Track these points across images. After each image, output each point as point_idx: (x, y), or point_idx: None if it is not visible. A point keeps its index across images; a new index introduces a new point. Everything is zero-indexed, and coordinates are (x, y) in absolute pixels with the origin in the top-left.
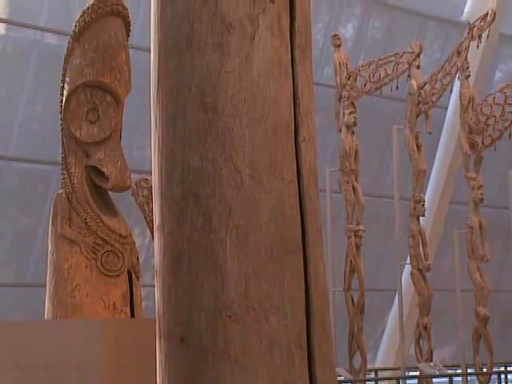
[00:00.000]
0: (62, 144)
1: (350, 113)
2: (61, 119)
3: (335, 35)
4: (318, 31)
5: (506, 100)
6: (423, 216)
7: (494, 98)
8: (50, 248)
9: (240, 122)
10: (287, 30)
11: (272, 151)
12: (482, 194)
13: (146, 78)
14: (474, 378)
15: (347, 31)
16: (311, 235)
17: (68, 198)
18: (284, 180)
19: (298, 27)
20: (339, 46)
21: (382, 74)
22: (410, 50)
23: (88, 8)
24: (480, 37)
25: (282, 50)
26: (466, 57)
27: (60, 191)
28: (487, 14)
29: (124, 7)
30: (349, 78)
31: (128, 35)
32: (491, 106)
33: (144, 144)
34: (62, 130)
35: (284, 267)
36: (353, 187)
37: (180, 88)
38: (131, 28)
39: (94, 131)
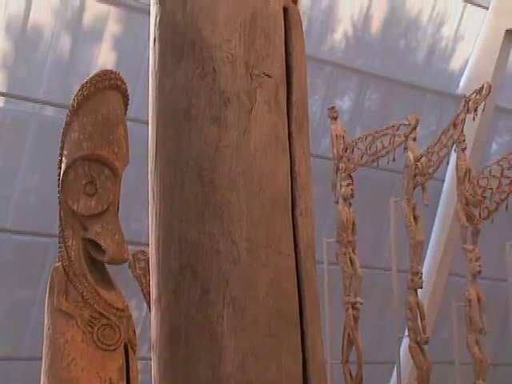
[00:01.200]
0: (60, 217)
1: (347, 185)
2: (58, 192)
3: (332, 107)
4: (314, 102)
5: (502, 172)
6: (421, 288)
7: (491, 170)
8: (46, 321)
9: (237, 196)
10: (284, 104)
11: (269, 225)
12: (479, 266)
13: (144, 151)
14: None
15: (344, 103)
16: (309, 309)
17: (65, 271)
18: (281, 254)
19: (294, 101)
20: (336, 118)
21: (379, 146)
22: (407, 123)
23: (87, 82)
24: (476, 110)
25: (279, 124)
26: (463, 129)
27: (57, 264)
28: (483, 87)
29: (122, 81)
30: (346, 150)
31: (126, 109)
32: (488, 178)
33: (142, 216)
34: (59, 203)
35: (281, 342)
36: (350, 259)
37: (177, 161)
38: (129, 101)
39: (92, 204)
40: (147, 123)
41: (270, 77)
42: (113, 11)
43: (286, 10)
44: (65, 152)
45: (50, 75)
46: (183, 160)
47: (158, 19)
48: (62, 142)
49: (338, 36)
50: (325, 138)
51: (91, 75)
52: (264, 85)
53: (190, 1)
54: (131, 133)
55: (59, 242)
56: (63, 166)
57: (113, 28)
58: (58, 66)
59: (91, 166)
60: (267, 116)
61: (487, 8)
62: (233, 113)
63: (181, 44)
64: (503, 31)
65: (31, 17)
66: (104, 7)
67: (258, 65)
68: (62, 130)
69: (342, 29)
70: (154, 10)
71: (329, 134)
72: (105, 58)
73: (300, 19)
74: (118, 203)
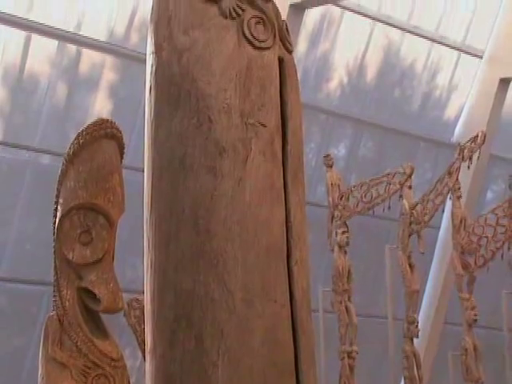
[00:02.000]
0: (55, 266)
1: (343, 232)
2: (54, 241)
3: (327, 155)
4: (310, 150)
5: (497, 221)
6: (417, 337)
7: (486, 218)
8: (40, 371)
9: (232, 245)
10: (279, 154)
11: (264, 274)
12: (475, 315)
13: (140, 198)
14: None
15: (339, 151)
16: (304, 359)
17: (59, 320)
18: (276, 303)
19: (290, 151)
20: (331, 166)
21: (374, 194)
22: (402, 171)
23: (82, 131)
24: (471, 158)
25: (274, 173)
26: (458, 177)
27: (51, 313)
28: (477, 135)
29: (118, 130)
30: (341, 198)
31: (122, 157)
32: (483, 226)
33: (137, 263)
34: (54, 251)
35: None
36: (346, 307)
37: (173, 210)
38: (125, 149)
39: (87, 253)
40: (143, 171)
41: (265, 126)
42: (109, 60)
43: (281, 60)
44: (60, 200)
45: (46, 123)
46: (178, 209)
47: (153, 69)
48: (58, 190)
49: (333, 84)
50: (320, 186)
51: (87, 124)
52: (259, 134)
53: (186, 51)
54: (126, 180)
55: (54, 291)
56: (58, 214)
57: (109, 76)
58: (54, 113)
59: (86, 215)
60: (262, 165)
61: (481, 57)
62: (228, 162)
63: (176, 93)
64: (497, 80)
65: (28, 65)
66: (100, 56)
67: (253, 114)
68: (57, 178)
69: (338, 77)
70: (149, 60)
71: (324, 182)
72: (101, 106)
73: (295, 69)
74: (113, 251)
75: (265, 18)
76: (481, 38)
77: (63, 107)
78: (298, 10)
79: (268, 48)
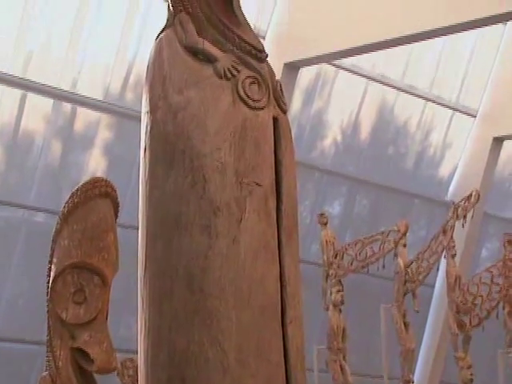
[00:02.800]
0: (48, 325)
1: (337, 291)
2: (47, 300)
3: (321, 214)
4: (304, 208)
5: (492, 279)
6: None
7: (481, 277)
8: None
9: (227, 304)
10: (274, 213)
11: (259, 333)
12: (471, 374)
13: (134, 257)
14: None
15: (334, 209)
16: None
17: (52, 380)
18: (271, 363)
19: (284, 210)
20: (326, 224)
21: (369, 252)
22: (396, 229)
23: (77, 190)
24: (465, 216)
25: (268, 232)
26: (452, 236)
27: (44, 373)
28: (471, 194)
29: (113, 189)
30: (336, 257)
31: (116, 216)
32: (478, 285)
33: (131, 322)
34: (47, 311)
35: None
36: (341, 366)
37: (167, 269)
38: (120, 207)
39: (81, 313)
40: (137, 229)
41: (259, 186)
42: (104, 118)
43: (275, 120)
44: (54, 259)
45: (40, 181)
46: (173, 268)
47: (148, 128)
48: (52, 249)
49: (327, 142)
50: (315, 244)
51: (82, 183)
52: (254, 193)
53: (181, 110)
54: (121, 238)
55: (47, 351)
56: (52, 273)
57: (104, 134)
58: (49, 172)
59: (80, 274)
60: (257, 225)
61: (475, 116)
62: (222, 221)
63: (171, 153)
64: (491, 139)
65: (23, 123)
66: (95, 114)
67: (247, 174)
68: (51, 237)
69: (332, 135)
70: (144, 119)
71: (319, 240)
72: (95, 163)
73: (289, 128)
74: (107, 310)
75: (259, 78)
76: (474, 97)
77: (58, 165)
78: (292, 68)
79: (262, 108)
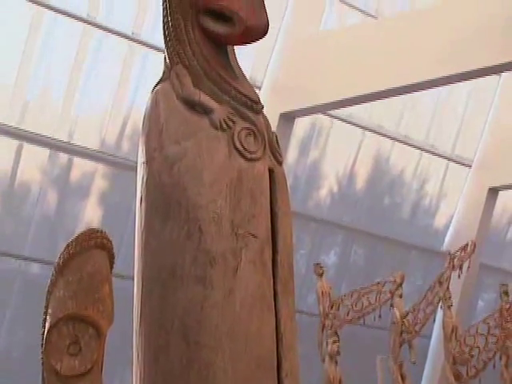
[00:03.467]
0: (42, 377)
1: (334, 342)
2: (41, 352)
3: (317, 264)
4: (300, 258)
5: (489, 331)
6: None
7: (477, 328)
8: None
9: (222, 356)
10: (270, 264)
11: None
12: None
13: (129, 307)
14: None
15: (330, 258)
16: None
17: None
18: None
19: (280, 261)
20: (322, 274)
21: (365, 303)
22: (392, 280)
23: (72, 241)
24: (461, 267)
25: (264, 283)
26: (448, 287)
27: None
28: (467, 244)
29: (108, 240)
30: (332, 307)
31: (112, 267)
32: (474, 336)
33: (125, 375)
34: (42, 363)
35: None
36: None
37: (163, 320)
38: (115, 258)
39: (75, 364)
40: (133, 279)
41: (255, 237)
42: (100, 168)
43: (271, 171)
44: (49, 311)
45: (36, 231)
46: (168, 319)
47: (144, 179)
48: (47, 300)
49: (323, 192)
50: (311, 294)
51: (77, 234)
52: (249, 245)
53: (177, 161)
54: (116, 289)
55: None
56: (47, 325)
57: (100, 184)
58: (45, 222)
59: (75, 326)
60: (253, 276)
61: (470, 166)
62: (218, 272)
63: (167, 204)
64: (486, 189)
65: (19, 173)
66: (91, 164)
67: (243, 225)
68: (47, 288)
69: (328, 185)
70: (141, 170)
71: (315, 290)
72: (91, 213)
73: (285, 180)
74: (102, 362)
75: (255, 129)
76: (469, 147)
77: (54, 215)
78: (288, 119)
79: (258, 159)
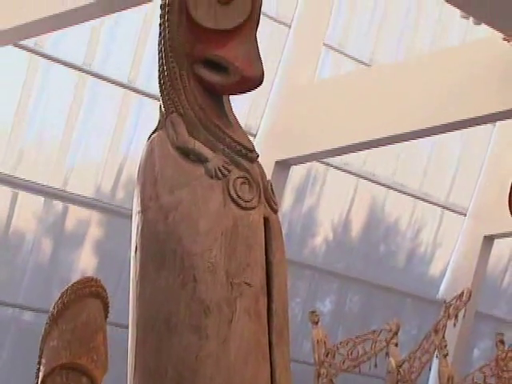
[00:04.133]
0: None
1: None
2: None
3: (313, 312)
4: (295, 305)
5: (484, 380)
6: None
7: (473, 377)
8: None
9: None
10: (264, 313)
11: None
12: None
13: (124, 356)
14: None
15: (325, 306)
16: None
17: None
18: None
19: (275, 309)
20: (317, 322)
21: (361, 351)
22: (388, 328)
23: (67, 290)
24: (457, 316)
25: (259, 332)
26: (444, 335)
27: None
28: (463, 293)
29: (103, 289)
30: (327, 355)
31: (106, 316)
32: None
33: None
34: None
35: None
36: None
37: (157, 370)
38: (110, 306)
39: None
40: (127, 327)
41: (250, 286)
42: (95, 215)
43: (266, 220)
44: (43, 360)
45: (30, 279)
46: (162, 369)
47: (139, 228)
48: (41, 349)
49: (318, 239)
50: (306, 341)
51: (72, 282)
52: (244, 294)
53: (172, 210)
54: (110, 337)
55: None
56: (41, 374)
57: (94, 232)
58: (39, 270)
59: (69, 375)
60: (247, 325)
61: (465, 214)
62: (213, 322)
63: (162, 252)
64: (481, 237)
65: (14, 221)
66: (86, 212)
67: (238, 274)
68: (41, 337)
69: (323, 232)
70: (136, 219)
71: (310, 337)
72: (86, 261)
73: (280, 228)
74: None
75: (250, 178)
76: (464, 195)
77: (48, 263)
78: (283, 166)
79: (253, 208)
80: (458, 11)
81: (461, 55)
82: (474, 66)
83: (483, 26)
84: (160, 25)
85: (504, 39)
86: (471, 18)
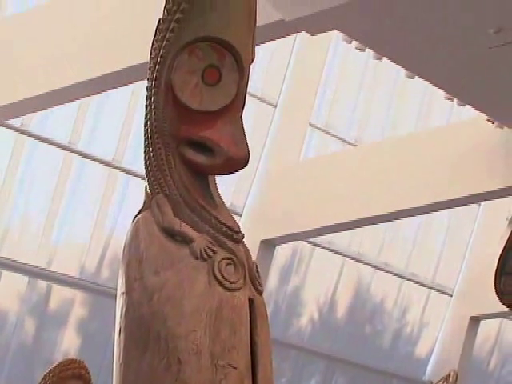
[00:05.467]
0: None
1: None
2: None
3: None
4: None
5: None
6: None
7: None
8: None
9: None
10: None
11: None
12: None
13: None
14: None
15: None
16: None
17: None
18: None
19: None
20: None
21: None
22: None
23: (50, 372)
24: None
25: None
26: None
27: None
28: (449, 375)
29: (86, 370)
30: None
31: None
32: None
33: None
34: None
35: None
36: None
37: None
38: None
39: None
40: None
41: (235, 368)
42: (79, 295)
43: (251, 301)
44: None
45: (12, 360)
46: None
47: (123, 310)
48: None
49: (304, 320)
50: None
51: (54, 364)
52: (229, 376)
53: (157, 292)
54: None
55: None
56: None
57: (78, 312)
58: (22, 350)
59: None
60: None
61: (451, 295)
62: None
63: (146, 334)
64: (468, 318)
65: None
66: (70, 291)
67: (223, 356)
68: None
69: (308, 312)
70: (120, 300)
71: None
72: (69, 342)
73: (265, 309)
74: None
75: (235, 259)
76: (450, 276)
77: (31, 344)
78: (269, 246)
79: (238, 289)
80: (442, 92)
81: (446, 136)
82: (459, 147)
83: (467, 107)
84: (146, 106)
85: (488, 120)
86: (455, 100)
